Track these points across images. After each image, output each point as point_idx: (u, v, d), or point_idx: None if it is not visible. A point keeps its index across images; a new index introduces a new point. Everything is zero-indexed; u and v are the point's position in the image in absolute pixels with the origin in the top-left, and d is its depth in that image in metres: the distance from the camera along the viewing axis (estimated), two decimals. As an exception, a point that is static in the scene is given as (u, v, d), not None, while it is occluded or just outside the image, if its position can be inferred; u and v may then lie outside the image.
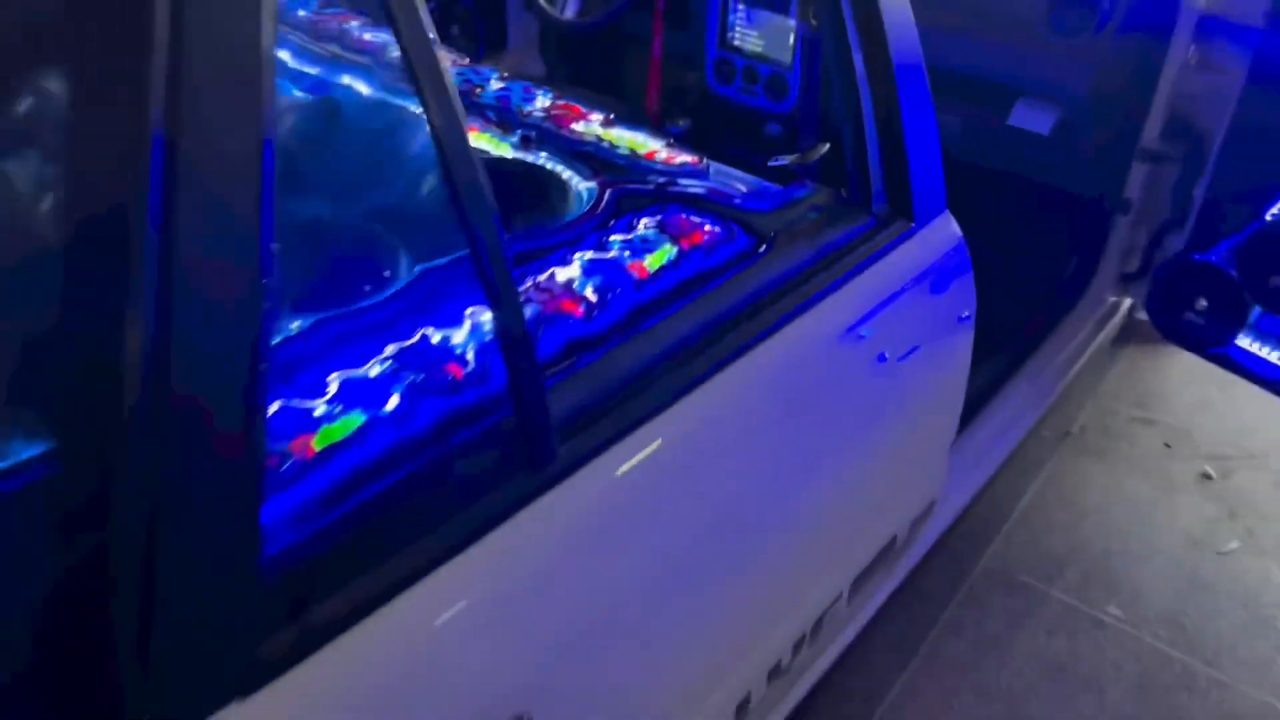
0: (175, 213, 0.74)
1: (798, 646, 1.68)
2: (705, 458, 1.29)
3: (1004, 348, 2.71)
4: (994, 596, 2.55)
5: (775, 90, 2.80)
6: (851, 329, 1.52)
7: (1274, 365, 2.53)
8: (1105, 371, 3.35)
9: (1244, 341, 2.59)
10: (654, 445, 1.20)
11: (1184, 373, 3.38)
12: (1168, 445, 3.08)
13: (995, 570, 2.62)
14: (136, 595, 0.78)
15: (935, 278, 1.70)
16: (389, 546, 0.99)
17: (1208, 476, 2.97)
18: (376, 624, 0.96)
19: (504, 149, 1.70)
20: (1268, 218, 2.43)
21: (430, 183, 1.40)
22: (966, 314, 1.79)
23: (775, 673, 1.62)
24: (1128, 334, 3.48)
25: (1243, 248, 2.46)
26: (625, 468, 1.17)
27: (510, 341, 1.04)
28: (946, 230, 1.73)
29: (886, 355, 1.59)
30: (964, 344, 1.83)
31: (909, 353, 1.66)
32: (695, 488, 1.28)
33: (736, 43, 2.87)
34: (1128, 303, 3.12)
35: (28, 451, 0.82)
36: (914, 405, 1.77)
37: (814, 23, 1.93)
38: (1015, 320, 2.78)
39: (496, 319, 1.04)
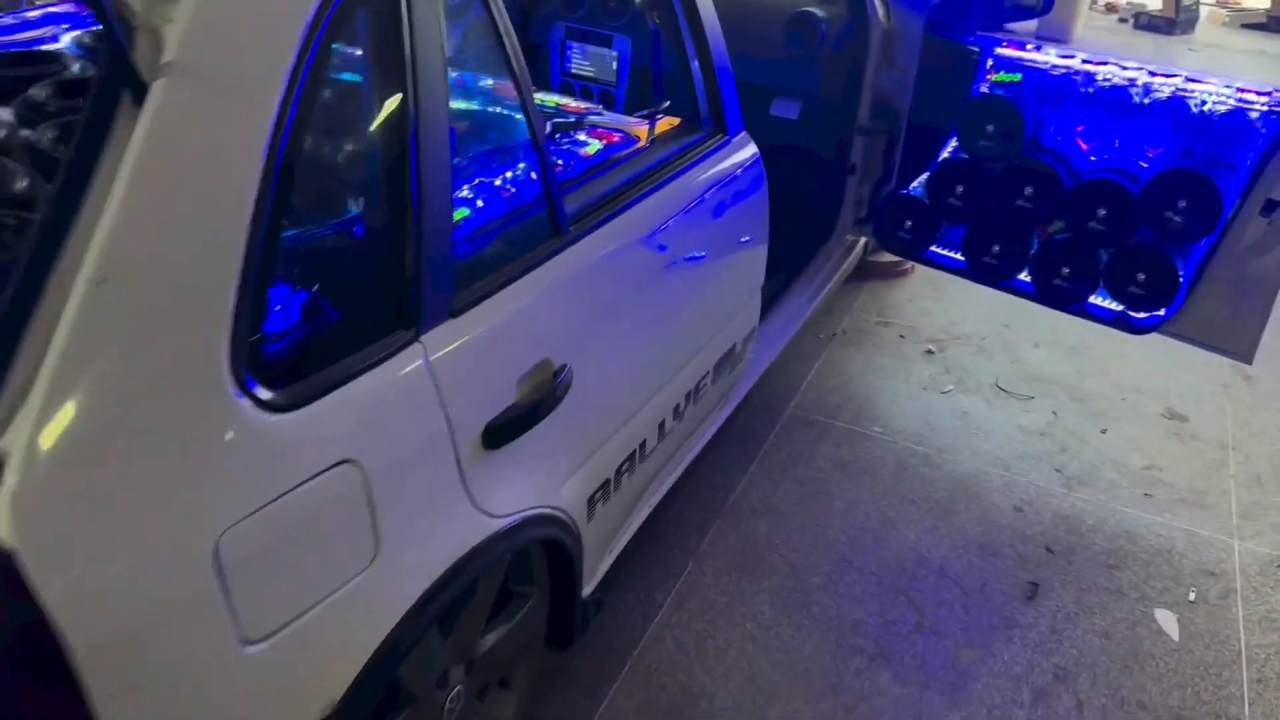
0: (422, 154, 1.66)
1: (677, 411, 2.69)
2: (637, 248, 2.31)
3: (783, 268, 3.85)
4: (798, 428, 3.67)
5: (606, 102, 3.90)
6: (703, 192, 2.59)
7: (956, 259, 3.77)
8: (855, 295, 4.59)
9: (936, 247, 3.83)
10: (607, 232, 2.20)
11: (908, 294, 4.67)
12: (902, 336, 4.33)
13: (797, 413, 3.75)
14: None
15: (745, 168, 2.80)
16: (499, 264, 1.93)
17: (930, 352, 4.23)
18: (492, 302, 1.88)
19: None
20: (939, 159, 3.68)
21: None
22: (762, 192, 2.89)
23: (661, 431, 2.61)
24: (867, 273, 4.74)
25: (928, 182, 3.70)
26: (595, 239, 2.17)
27: (547, 179, 2.02)
28: (748, 142, 2.85)
29: (724, 209, 2.67)
30: (763, 214, 2.92)
31: (735, 210, 2.74)
32: (633, 256, 2.30)
33: (574, 70, 3.98)
34: (862, 241, 4.35)
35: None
36: (741, 246, 2.84)
37: (657, 19, 2.99)
38: (790, 250, 3.93)
39: (537, 170, 2.02)
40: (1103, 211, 3.25)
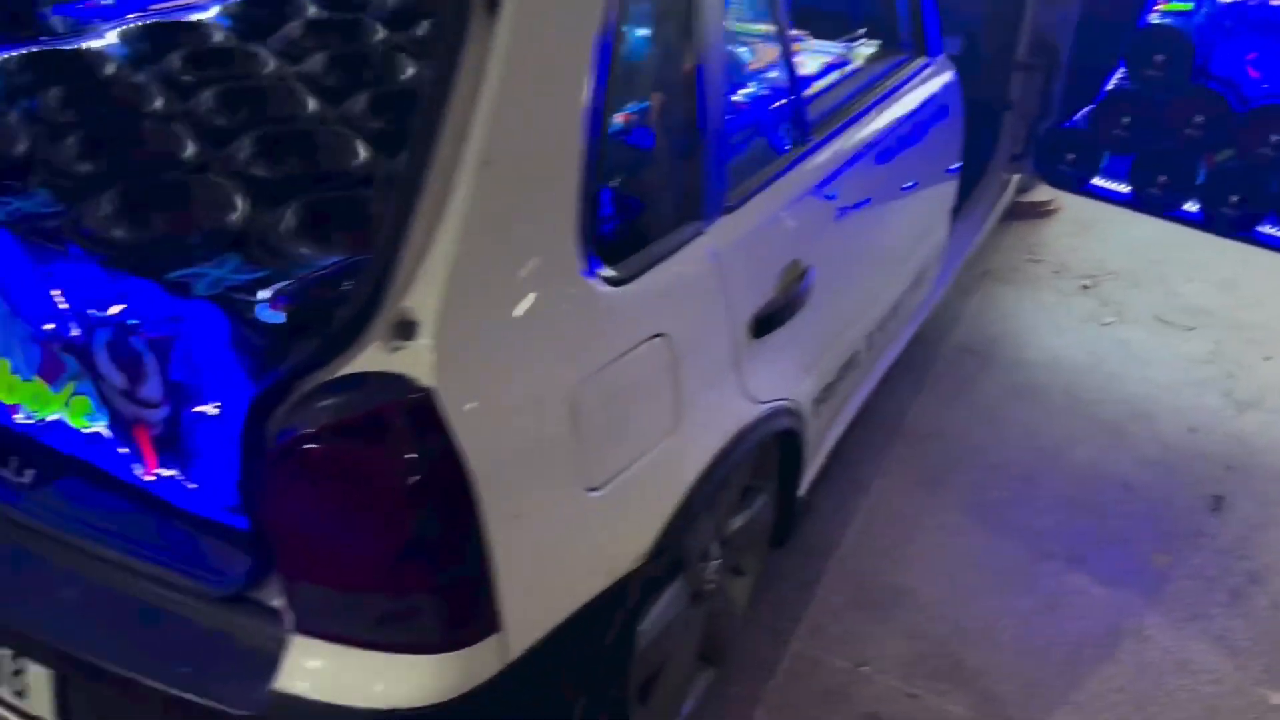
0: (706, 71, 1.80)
1: (882, 324, 2.82)
2: (864, 160, 2.44)
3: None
4: (963, 357, 3.78)
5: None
6: (913, 111, 2.71)
7: (1119, 191, 3.82)
8: (1003, 236, 4.65)
9: (1098, 180, 3.88)
10: (839, 143, 2.33)
11: (1054, 233, 4.73)
12: (1055, 273, 4.39)
13: (960, 344, 3.85)
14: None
15: (947, 89, 2.91)
16: (758, 167, 2.08)
17: (1086, 287, 4.29)
18: (754, 202, 2.02)
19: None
20: (1105, 91, 3.73)
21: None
22: (959, 114, 2.99)
23: (869, 342, 2.73)
24: (1013, 213, 4.80)
25: (1092, 114, 3.75)
26: (830, 149, 2.30)
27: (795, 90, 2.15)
28: (948, 65, 2.97)
29: (929, 129, 2.78)
30: (960, 136, 3.03)
31: (938, 130, 2.85)
32: (860, 168, 2.42)
33: None
34: (1016, 178, 4.39)
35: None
36: (941, 166, 2.95)
37: None
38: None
39: (788, 82, 2.15)
40: (1274, 138, 3.29)
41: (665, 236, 1.77)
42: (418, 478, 1.39)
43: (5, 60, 2.36)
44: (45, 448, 1.84)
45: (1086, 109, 3.77)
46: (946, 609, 2.64)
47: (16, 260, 1.73)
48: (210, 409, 1.60)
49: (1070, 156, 3.83)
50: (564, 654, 1.64)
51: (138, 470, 1.75)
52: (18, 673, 1.77)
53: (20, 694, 1.77)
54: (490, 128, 1.42)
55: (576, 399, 1.56)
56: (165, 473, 1.72)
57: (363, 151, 1.98)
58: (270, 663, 1.54)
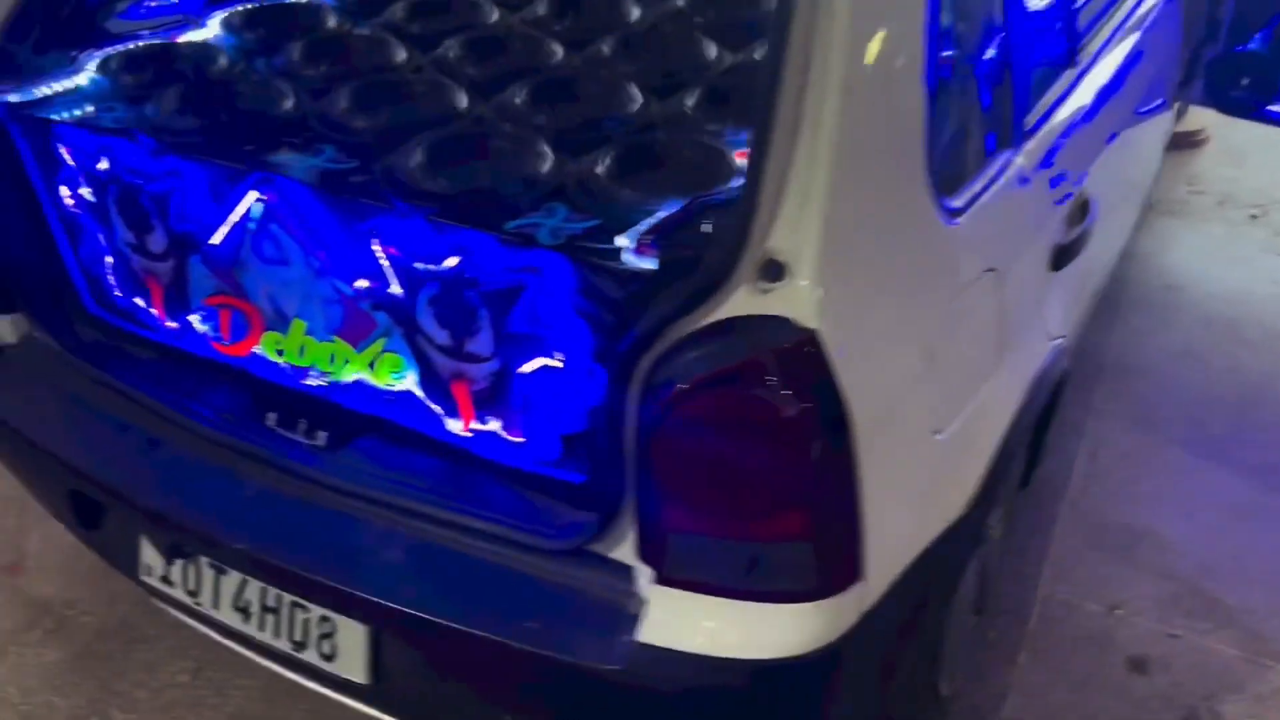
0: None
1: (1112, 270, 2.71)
2: (1123, 85, 2.33)
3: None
4: (1149, 291, 3.67)
5: None
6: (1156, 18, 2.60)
7: (1301, 116, 3.66)
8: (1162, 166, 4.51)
9: (1275, 106, 3.72)
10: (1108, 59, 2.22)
11: (1209, 163, 4.58)
12: (1220, 204, 4.25)
13: (1150, 280, 3.74)
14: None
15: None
16: (1039, 95, 1.97)
17: (1254, 217, 4.15)
18: (1043, 131, 1.93)
19: None
20: (1283, 13, 3.56)
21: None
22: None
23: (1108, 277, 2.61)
24: (1169, 145, 4.64)
25: (1270, 34, 3.59)
26: (1099, 69, 2.20)
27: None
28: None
29: (1162, 44, 2.66)
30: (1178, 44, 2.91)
31: (1168, 44, 2.72)
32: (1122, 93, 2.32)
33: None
34: (1175, 107, 4.24)
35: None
36: (1170, 82, 2.80)
37: None
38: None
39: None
40: None
41: (987, 165, 1.70)
42: (805, 423, 1.34)
43: (229, 16, 2.33)
44: (340, 409, 1.82)
45: (1262, 31, 3.61)
46: (1190, 547, 2.57)
47: (320, 218, 1.70)
48: (550, 361, 1.56)
49: (1244, 81, 3.67)
50: (905, 602, 1.60)
51: (452, 426, 1.72)
52: (326, 635, 1.76)
53: (329, 656, 1.77)
54: (849, 53, 1.35)
55: (931, 338, 1.50)
56: (483, 427, 1.69)
57: (637, 94, 1.92)
58: (623, 616, 1.51)
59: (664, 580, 1.48)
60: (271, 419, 1.84)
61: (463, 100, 1.92)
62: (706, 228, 1.45)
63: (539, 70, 2.05)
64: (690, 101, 1.89)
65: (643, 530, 1.49)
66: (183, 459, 1.86)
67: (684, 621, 1.47)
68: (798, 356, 1.31)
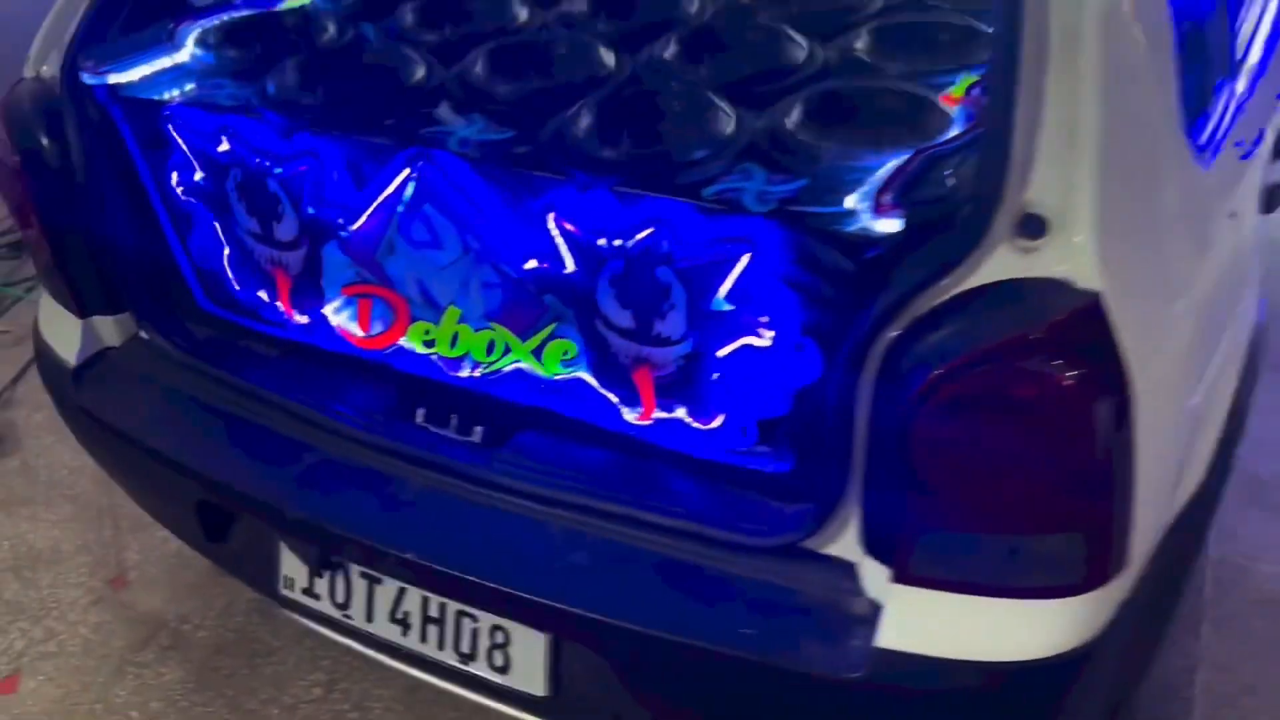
0: None
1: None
2: None
3: None
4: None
5: None
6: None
7: None
8: None
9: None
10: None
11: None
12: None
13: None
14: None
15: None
16: None
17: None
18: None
19: None
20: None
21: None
22: None
23: None
24: None
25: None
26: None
27: None
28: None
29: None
30: None
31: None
32: None
33: None
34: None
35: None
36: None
37: None
38: None
39: None
40: None
41: (1216, 97, 1.54)
42: (1089, 400, 1.19)
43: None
44: (497, 402, 1.67)
45: None
46: None
47: (482, 194, 1.54)
48: (753, 340, 1.41)
49: None
50: (1154, 587, 1.45)
51: (629, 415, 1.57)
52: (499, 646, 1.63)
53: (502, 668, 1.63)
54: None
55: (1193, 293, 1.35)
56: (666, 415, 1.54)
57: (799, 39, 1.75)
58: (852, 618, 1.37)
59: (903, 579, 1.33)
60: (420, 416, 1.70)
61: (609, 58, 1.75)
62: (950, 182, 1.29)
63: (679, 21, 1.88)
64: (860, 44, 1.72)
65: (875, 524, 1.35)
66: (324, 462, 1.72)
67: (928, 623, 1.33)
68: (1079, 323, 1.16)
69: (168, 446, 1.83)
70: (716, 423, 1.51)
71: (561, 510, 1.56)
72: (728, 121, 1.52)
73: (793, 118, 1.49)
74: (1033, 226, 1.18)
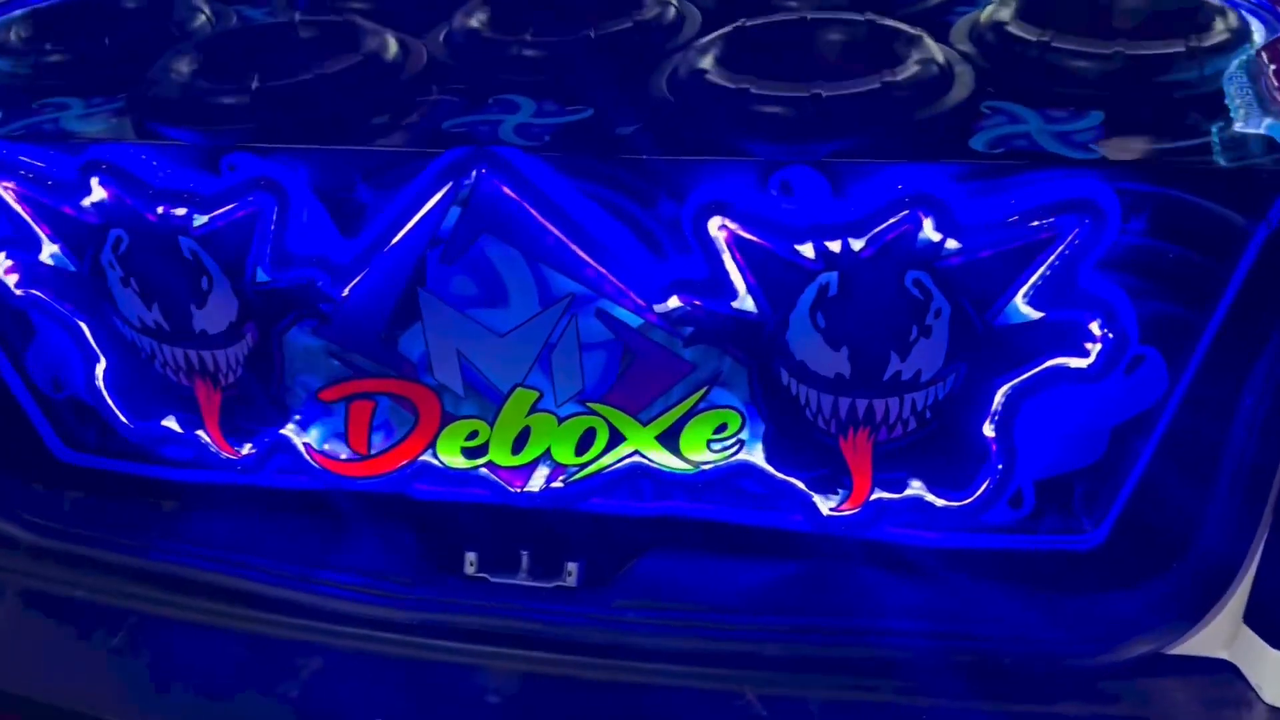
0: None
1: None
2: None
3: None
4: None
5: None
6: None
7: None
8: None
9: None
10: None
11: None
12: None
13: None
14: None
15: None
16: None
17: None
18: None
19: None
20: None
21: None
22: None
23: None
24: None
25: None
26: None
27: None
28: None
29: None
30: None
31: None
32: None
33: None
34: None
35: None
36: None
37: None
38: None
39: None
40: None
41: None
42: None
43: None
44: (594, 520, 1.13)
45: None
46: None
47: (579, 207, 0.99)
48: (1071, 361, 0.93)
49: None
50: None
51: (827, 505, 1.06)
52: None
53: None
54: None
55: None
56: (892, 495, 1.04)
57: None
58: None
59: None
60: (471, 563, 1.11)
61: None
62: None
63: None
64: None
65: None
66: (316, 675, 1.10)
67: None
68: None
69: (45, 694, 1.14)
70: (977, 493, 1.02)
71: (725, 670, 1.05)
72: (922, 45, 1.03)
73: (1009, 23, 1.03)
74: None
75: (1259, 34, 1.02)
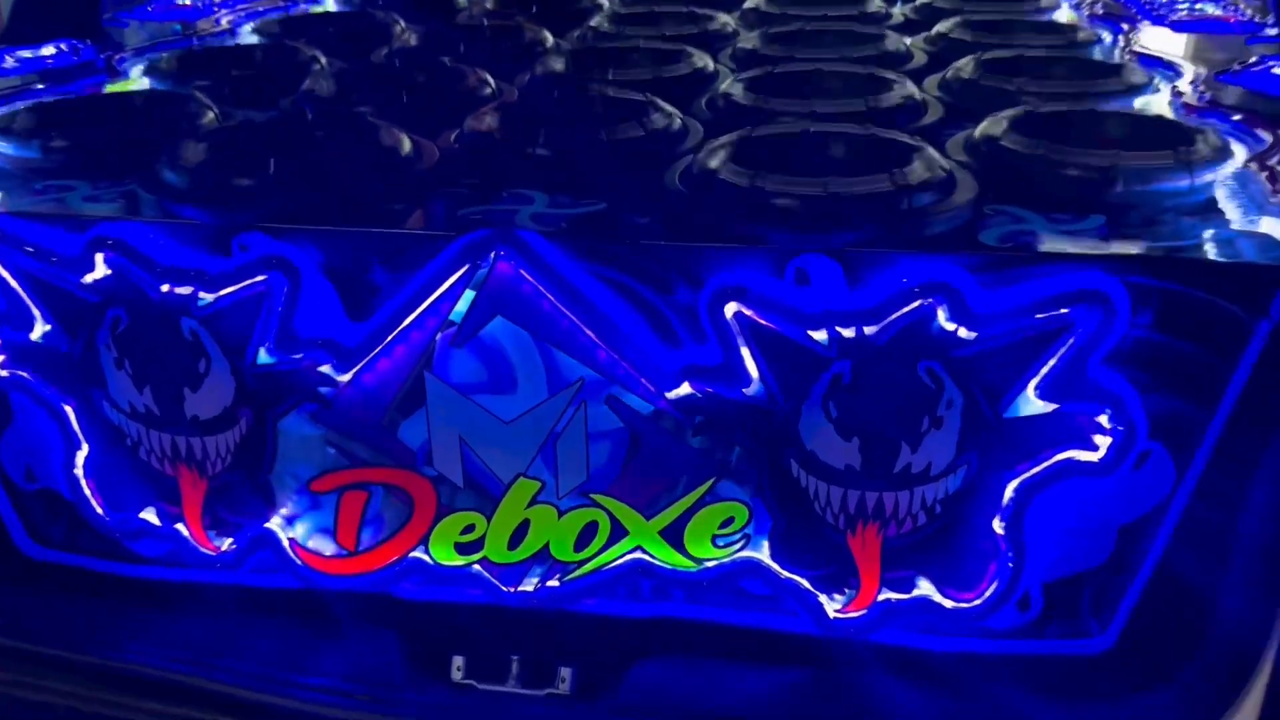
0: None
1: None
2: None
3: None
4: None
5: None
6: None
7: None
8: None
9: None
10: None
11: None
12: None
13: None
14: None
15: None
16: None
17: None
18: None
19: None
20: None
21: None
22: None
23: None
24: None
25: None
26: None
27: None
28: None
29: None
30: None
31: None
32: None
33: None
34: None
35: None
36: None
37: None
38: None
39: None
40: None
41: None
42: None
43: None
44: (590, 622, 1.09)
45: None
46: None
47: (595, 291, 0.99)
48: (1080, 455, 0.94)
49: None
50: None
51: (833, 606, 1.04)
52: None
53: None
54: None
55: None
56: (899, 596, 1.03)
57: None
58: None
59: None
60: (458, 668, 1.07)
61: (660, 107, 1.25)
62: None
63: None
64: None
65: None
66: None
67: None
68: None
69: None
70: (985, 594, 1.01)
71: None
72: (925, 156, 1.06)
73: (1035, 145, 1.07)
74: None
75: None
